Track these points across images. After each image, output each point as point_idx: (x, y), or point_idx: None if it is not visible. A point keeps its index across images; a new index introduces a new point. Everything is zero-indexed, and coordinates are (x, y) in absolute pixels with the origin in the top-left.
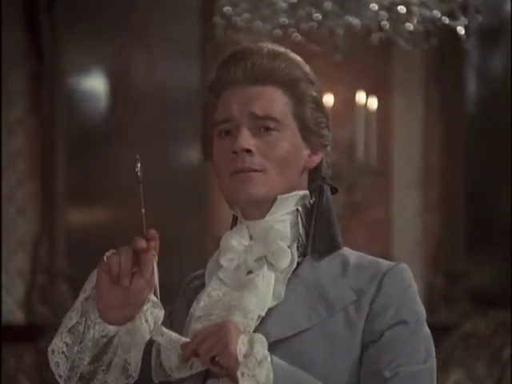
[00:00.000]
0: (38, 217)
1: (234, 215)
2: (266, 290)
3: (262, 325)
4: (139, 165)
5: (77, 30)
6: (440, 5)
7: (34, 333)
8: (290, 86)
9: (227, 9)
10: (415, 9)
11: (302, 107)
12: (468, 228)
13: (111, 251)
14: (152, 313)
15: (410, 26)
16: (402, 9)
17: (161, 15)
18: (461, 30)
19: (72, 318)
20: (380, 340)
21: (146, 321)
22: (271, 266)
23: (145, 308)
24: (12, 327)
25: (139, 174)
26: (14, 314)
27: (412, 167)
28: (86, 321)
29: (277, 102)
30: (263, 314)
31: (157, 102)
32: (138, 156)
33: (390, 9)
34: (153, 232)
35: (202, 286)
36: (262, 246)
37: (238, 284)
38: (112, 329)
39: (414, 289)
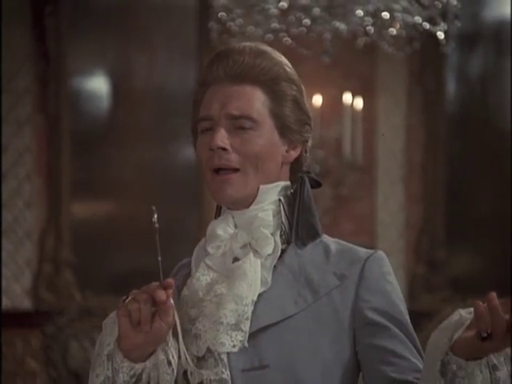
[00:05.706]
0: (45, 210)
1: (217, 205)
2: (254, 276)
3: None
4: (156, 216)
5: (80, 34)
6: (421, 11)
7: (41, 318)
8: (270, 84)
9: (222, 14)
10: (398, 15)
11: (281, 106)
12: (447, 221)
13: (130, 296)
14: (171, 344)
15: (393, 31)
16: (385, 15)
17: (160, 19)
18: (441, 35)
19: (99, 374)
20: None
21: (166, 352)
22: (256, 252)
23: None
24: (20, 313)
25: (156, 225)
26: (22, 301)
27: (395, 164)
28: (112, 366)
29: (254, 101)
30: (255, 298)
31: (156, 102)
32: (153, 208)
33: (375, 15)
34: (170, 281)
35: (190, 273)
36: (246, 233)
37: (225, 270)
38: (138, 367)
39: (393, 275)
